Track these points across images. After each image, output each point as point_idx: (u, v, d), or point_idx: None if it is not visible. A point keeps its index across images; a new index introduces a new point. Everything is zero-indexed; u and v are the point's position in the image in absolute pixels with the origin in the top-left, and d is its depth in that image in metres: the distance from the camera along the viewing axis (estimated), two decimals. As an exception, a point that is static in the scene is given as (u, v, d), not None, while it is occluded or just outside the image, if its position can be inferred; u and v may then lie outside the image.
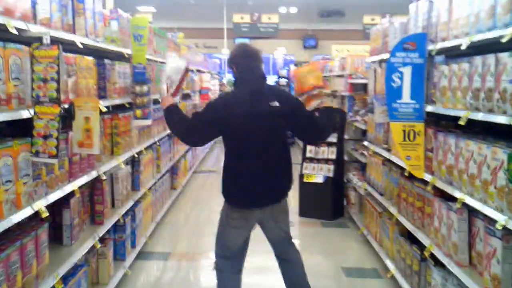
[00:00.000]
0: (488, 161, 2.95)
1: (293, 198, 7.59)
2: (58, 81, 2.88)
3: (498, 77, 2.88)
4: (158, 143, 6.21)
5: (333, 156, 7.00)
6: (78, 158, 3.53)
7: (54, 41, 3.06)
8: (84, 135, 3.38)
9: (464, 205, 3.26)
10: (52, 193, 3.12)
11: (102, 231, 3.96)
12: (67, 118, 3.35)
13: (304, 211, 6.93)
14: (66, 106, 3.29)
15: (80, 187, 3.62)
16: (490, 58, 2.97)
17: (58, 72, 2.89)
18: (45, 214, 2.89)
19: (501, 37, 2.85)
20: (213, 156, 12.75)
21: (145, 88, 5.03)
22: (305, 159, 7.16)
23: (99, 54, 4.39)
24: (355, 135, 7.37)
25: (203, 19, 22.31)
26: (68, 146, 3.37)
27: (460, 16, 3.47)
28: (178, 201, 7.67)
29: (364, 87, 6.89)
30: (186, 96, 9.06)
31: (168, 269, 5.09)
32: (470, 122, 3.29)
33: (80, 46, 3.60)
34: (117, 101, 4.56)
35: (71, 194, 3.45)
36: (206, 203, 7.80)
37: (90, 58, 3.92)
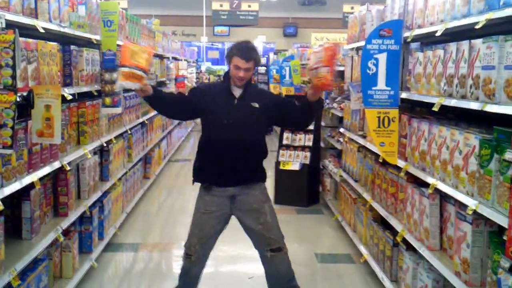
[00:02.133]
0: (460, 147, 2.98)
1: (269, 185, 7.56)
2: (13, 67, 2.74)
3: (472, 63, 2.89)
4: (129, 132, 6.08)
5: (310, 143, 6.98)
6: (38, 148, 3.39)
7: (12, 25, 2.92)
8: (44, 124, 3.24)
9: (436, 190, 3.29)
10: (8, 185, 2.98)
11: (66, 223, 3.84)
12: (26, 107, 3.21)
13: (280, 199, 6.89)
14: (25, 94, 3.15)
15: (42, 178, 3.50)
16: (464, 45, 2.98)
17: (13, 58, 2.75)
18: (0, 207, 2.75)
19: (476, 23, 2.85)
20: (189, 144, 12.64)
21: (115, 75, 4.90)
22: (281, 146, 7.12)
23: (66, 40, 4.25)
24: (331, 122, 7.35)
25: (181, 6, 22.04)
26: (27, 135, 3.23)
27: (436, 3, 3.48)
28: (151, 191, 7.56)
29: (341, 74, 6.85)
30: (161, 84, 8.91)
31: (139, 260, 5.00)
32: (445, 108, 3.29)
33: (42, 30, 3.46)
34: (85, 89, 4.44)
35: (32, 185, 3.32)
36: (180, 192, 7.72)
37: (54, 44, 3.77)
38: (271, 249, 3.49)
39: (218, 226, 3.54)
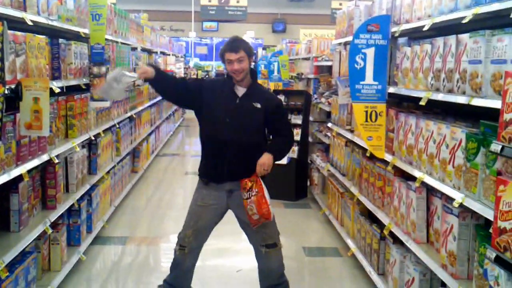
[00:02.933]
0: (447, 141, 3.00)
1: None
2: (2, 60, 2.73)
3: (459, 58, 2.91)
4: (118, 126, 6.06)
5: (298, 138, 6.99)
6: (27, 140, 3.38)
7: (1, 18, 2.91)
8: (33, 116, 3.23)
9: (423, 184, 3.31)
10: (-4, 177, 2.97)
11: (54, 216, 3.83)
12: (14, 99, 3.20)
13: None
14: (13, 86, 3.13)
15: (30, 171, 3.48)
16: (452, 39, 3.00)
17: (2, 50, 2.73)
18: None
19: (463, 18, 2.88)
20: (177, 139, 12.62)
21: (103, 69, 4.91)
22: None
23: (54, 34, 4.24)
24: (319, 117, 7.39)
25: (170, 1, 21.93)
26: (15, 128, 3.21)
27: (424, -2, 3.50)
28: (139, 185, 7.54)
29: (329, 69, 6.89)
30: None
31: (126, 254, 4.99)
32: (432, 102, 3.31)
33: (30, 23, 3.45)
34: (73, 82, 4.44)
35: (20, 178, 3.31)
36: (169, 187, 7.71)
37: (42, 37, 3.75)
38: (266, 245, 3.51)
39: (214, 219, 3.56)
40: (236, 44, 3.43)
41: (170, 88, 3.54)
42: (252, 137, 3.45)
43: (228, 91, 3.48)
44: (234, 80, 3.46)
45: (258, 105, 3.46)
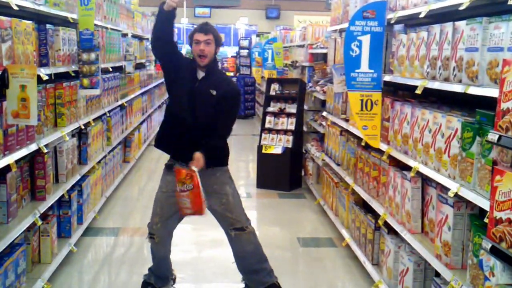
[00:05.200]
0: (442, 130, 2.97)
1: (251, 169, 7.55)
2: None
3: (455, 46, 2.87)
4: (108, 114, 5.98)
5: (292, 127, 6.95)
6: (14, 130, 3.30)
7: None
8: (20, 104, 3.16)
9: (418, 173, 3.28)
10: (-17, 167, 2.90)
11: (44, 207, 3.77)
12: (0, 87, 3.12)
13: (262, 183, 6.87)
14: (-1, 73, 3.06)
15: (18, 161, 3.42)
16: (448, 26, 2.96)
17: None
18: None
19: (460, 5, 2.83)
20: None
21: (92, 55, 4.81)
22: (264, 130, 7.08)
23: (41, 19, 4.15)
24: (314, 106, 7.34)
25: (161, -14, 21.70)
26: (2, 117, 3.14)
27: (420, -16, 3.45)
28: (131, 175, 7.49)
29: (324, 56, 6.82)
30: (140, 65, 8.78)
31: (119, 245, 4.95)
32: (428, 91, 3.28)
33: (16, 8, 3.35)
34: (61, 69, 4.36)
35: (7, 168, 3.24)
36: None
37: (29, 22, 3.66)
38: (234, 228, 3.56)
39: (178, 206, 3.49)
40: (207, 27, 3.53)
41: (169, 30, 3.51)
42: (206, 122, 3.46)
43: (190, 73, 3.52)
44: (197, 64, 3.49)
45: (214, 92, 3.47)
